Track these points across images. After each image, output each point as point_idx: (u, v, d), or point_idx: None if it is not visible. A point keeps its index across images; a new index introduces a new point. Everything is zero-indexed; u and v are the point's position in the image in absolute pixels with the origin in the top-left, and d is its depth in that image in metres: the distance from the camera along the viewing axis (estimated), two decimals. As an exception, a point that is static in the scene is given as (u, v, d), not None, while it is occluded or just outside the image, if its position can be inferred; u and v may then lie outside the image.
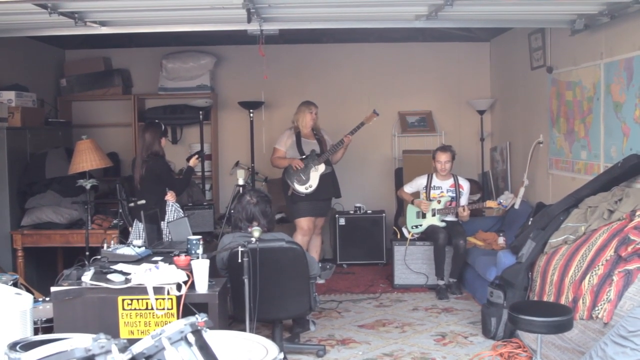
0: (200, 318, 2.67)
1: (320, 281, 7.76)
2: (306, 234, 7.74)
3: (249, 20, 5.30)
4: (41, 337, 3.67)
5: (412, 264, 7.67)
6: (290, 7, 5.54)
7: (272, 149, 8.92)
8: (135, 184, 6.49)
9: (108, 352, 2.38)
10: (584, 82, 6.49)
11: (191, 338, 2.58)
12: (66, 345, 2.47)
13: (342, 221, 8.79)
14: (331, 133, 8.11)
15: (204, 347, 2.62)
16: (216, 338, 3.21)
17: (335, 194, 7.94)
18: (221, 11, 5.40)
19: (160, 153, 6.46)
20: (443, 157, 7.60)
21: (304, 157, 7.68)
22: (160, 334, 2.53)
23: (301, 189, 7.61)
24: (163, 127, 6.57)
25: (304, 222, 7.73)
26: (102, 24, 5.81)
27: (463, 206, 7.46)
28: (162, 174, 6.42)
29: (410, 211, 7.76)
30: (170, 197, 6.41)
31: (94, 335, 2.43)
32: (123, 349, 2.44)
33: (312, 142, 7.79)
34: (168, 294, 4.40)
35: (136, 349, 2.50)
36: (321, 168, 7.66)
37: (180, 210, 6.55)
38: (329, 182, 7.76)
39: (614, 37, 5.93)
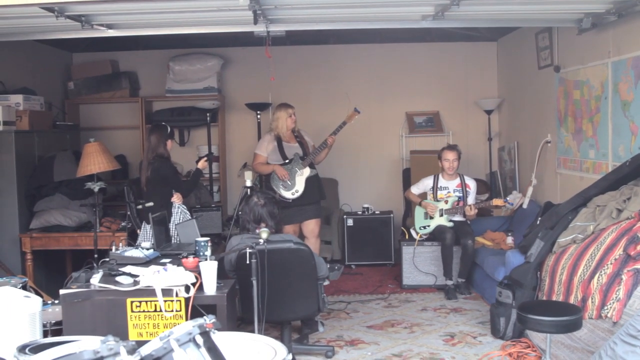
0: (208, 319, 2.66)
1: (325, 282, 7.72)
2: None
3: (256, 22, 5.29)
4: (50, 339, 3.70)
5: (420, 264, 7.66)
6: (297, 8, 5.54)
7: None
8: (142, 186, 6.51)
9: (116, 354, 2.38)
10: (592, 81, 6.47)
11: (199, 340, 2.57)
12: (75, 348, 2.47)
13: (350, 222, 8.78)
14: (339, 134, 8.09)
15: (212, 349, 2.62)
16: (224, 339, 3.21)
17: (321, 196, 7.78)
18: (227, 13, 5.40)
19: (165, 155, 6.47)
20: (450, 156, 7.58)
21: (287, 161, 7.47)
22: (169, 336, 2.53)
23: (287, 194, 7.39)
24: (169, 129, 6.58)
25: (289, 229, 7.54)
26: (109, 26, 5.82)
27: (470, 205, 7.43)
28: (167, 176, 6.43)
29: (418, 212, 7.75)
30: (176, 198, 6.41)
31: (102, 338, 2.43)
32: (131, 351, 2.43)
33: (294, 145, 7.56)
34: (176, 295, 4.41)
35: (144, 350, 2.49)
36: (306, 172, 7.43)
37: (187, 211, 6.55)
38: (314, 186, 7.53)
39: (621, 35, 5.91)
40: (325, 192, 7.88)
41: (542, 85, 7.84)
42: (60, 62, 9.39)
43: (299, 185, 7.40)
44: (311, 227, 7.62)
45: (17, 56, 7.87)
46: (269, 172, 7.48)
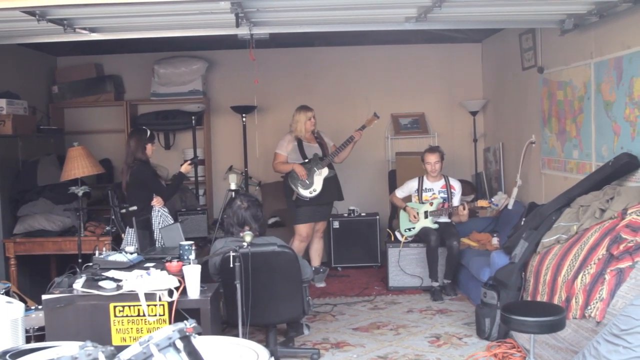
0: (188, 324, 2.65)
1: (320, 284, 7.77)
2: (304, 240, 7.79)
3: (238, 25, 5.28)
4: (31, 345, 3.67)
5: (406, 266, 7.66)
6: (279, 11, 5.53)
7: (265, 152, 8.97)
8: (123, 190, 6.51)
9: (95, 359, 2.37)
10: (575, 82, 6.50)
11: (179, 344, 2.56)
12: (53, 354, 2.46)
13: (336, 224, 8.77)
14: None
15: (192, 353, 2.61)
16: (206, 344, 3.20)
17: (338, 197, 7.98)
18: (210, 16, 5.38)
19: (144, 159, 6.45)
20: (432, 158, 7.59)
21: (306, 160, 7.70)
22: (148, 341, 2.51)
23: (305, 193, 7.64)
24: (149, 133, 6.56)
25: (302, 229, 7.76)
26: (92, 30, 5.80)
27: (463, 204, 7.43)
28: (146, 180, 6.42)
29: (403, 214, 7.75)
30: (156, 202, 6.40)
31: (81, 343, 2.41)
32: (110, 356, 2.42)
33: (314, 145, 7.81)
34: (160, 300, 4.40)
35: (124, 356, 2.48)
36: (325, 172, 7.69)
37: (169, 215, 6.53)
38: (332, 186, 7.80)
39: (603, 36, 5.94)
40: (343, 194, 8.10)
41: (526, 86, 7.86)
42: (45, 66, 9.34)
43: (317, 185, 7.65)
44: (318, 226, 7.96)
45: (0, 60, 7.81)
46: (288, 170, 7.75)
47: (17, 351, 3.41)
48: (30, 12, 4.86)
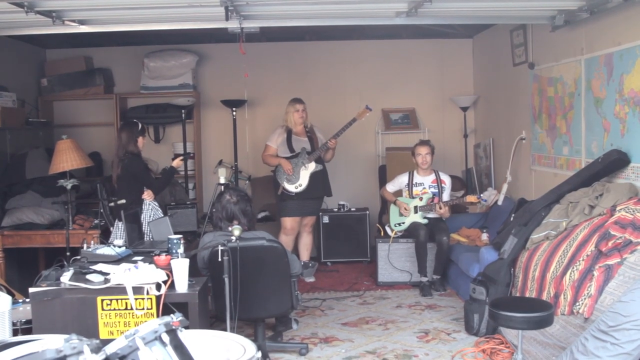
0: (175, 317, 2.64)
1: (309, 279, 7.77)
2: (289, 233, 7.78)
3: (227, 18, 5.26)
4: (16, 338, 3.64)
5: (395, 261, 7.66)
6: (269, 4, 5.51)
7: (255, 146, 8.95)
8: (113, 183, 6.49)
9: (80, 352, 2.34)
10: (565, 78, 6.50)
11: (165, 338, 2.54)
12: (37, 347, 2.43)
13: (325, 219, 8.75)
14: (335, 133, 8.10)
15: (178, 347, 2.59)
16: (193, 337, 3.19)
17: (325, 192, 7.97)
18: (200, 9, 5.36)
19: (136, 152, 6.43)
20: (423, 150, 7.58)
21: (294, 154, 7.69)
22: (134, 334, 2.50)
23: (291, 187, 7.65)
24: (140, 126, 6.54)
25: (288, 222, 7.77)
26: (81, 22, 5.75)
27: (440, 203, 7.41)
28: (137, 173, 6.41)
29: (394, 209, 7.75)
30: (147, 195, 6.39)
31: (66, 336, 2.39)
32: (96, 350, 2.39)
33: (304, 139, 7.80)
34: (147, 293, 4.38)
35: (110, 349, 2.46)
36: (311, 167, 7.68)
37: (159, 209, 6.52)
38: (319, 181, 7.78)
39: (594, 32, 5.94)
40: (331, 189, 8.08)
41: (517, 82, 7.86)
42: (34, 59, 9.28)
43: (303, 180, 7.68)
44: (306, 221, 7.97)
45: (-11, 52, 7.79)
46: (275, 164, 7.79)
47: (3, 344, 3.38)
48: (19, 3, 4.83)
